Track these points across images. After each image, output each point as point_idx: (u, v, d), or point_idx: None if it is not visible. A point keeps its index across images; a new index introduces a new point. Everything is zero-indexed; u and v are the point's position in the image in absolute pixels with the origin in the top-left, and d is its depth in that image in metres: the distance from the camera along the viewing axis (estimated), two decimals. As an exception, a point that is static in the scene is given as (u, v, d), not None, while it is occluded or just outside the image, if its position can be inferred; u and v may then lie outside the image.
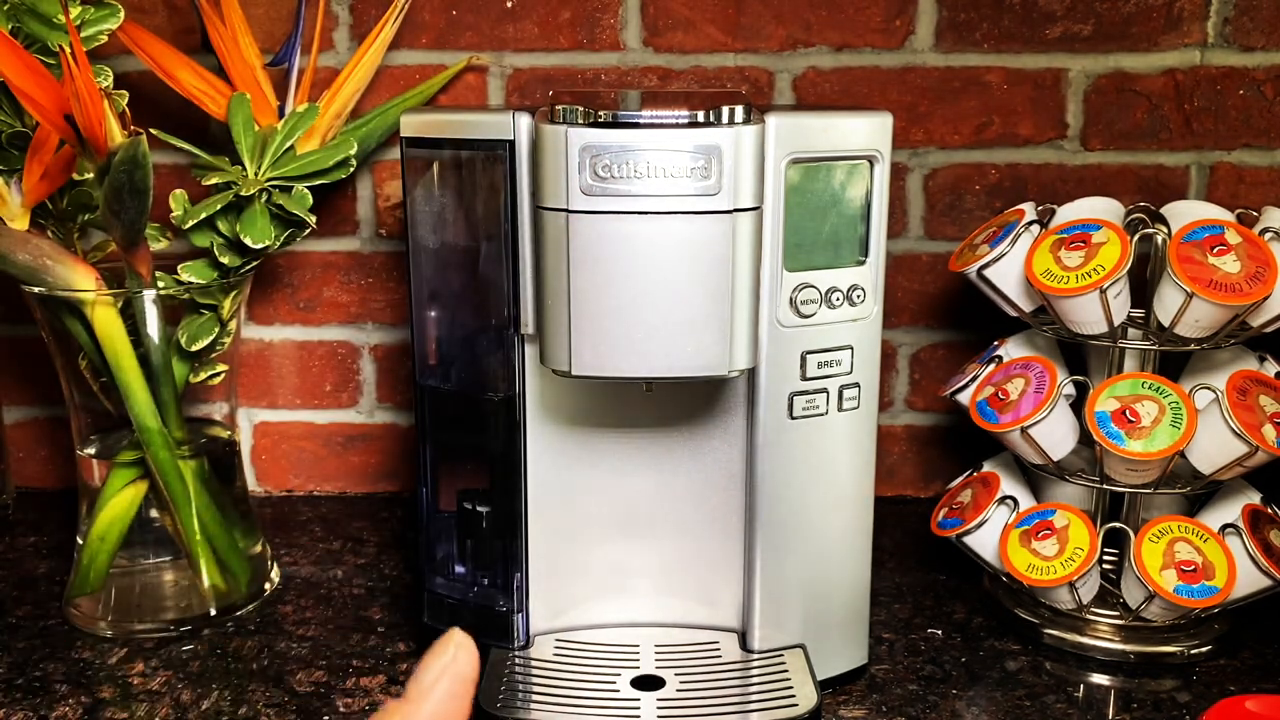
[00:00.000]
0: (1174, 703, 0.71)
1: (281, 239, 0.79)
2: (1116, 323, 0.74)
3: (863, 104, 0.94)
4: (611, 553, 0.73)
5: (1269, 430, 0.72)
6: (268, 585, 0.85)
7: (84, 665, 0.75)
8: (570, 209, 0.60)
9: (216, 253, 0.78)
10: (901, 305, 0.98)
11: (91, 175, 0.73)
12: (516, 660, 0.70)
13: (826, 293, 0.67)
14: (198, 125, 0.91)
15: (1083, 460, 0.79)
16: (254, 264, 0.80)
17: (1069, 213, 0.78)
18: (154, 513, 0.81)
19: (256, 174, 0.79)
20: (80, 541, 0.81)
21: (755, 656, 0.71)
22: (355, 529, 0.97)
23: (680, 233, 0.60)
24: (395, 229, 0.98)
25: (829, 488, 0.70)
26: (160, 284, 0.77)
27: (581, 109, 0.59)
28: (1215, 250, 0.71)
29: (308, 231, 0.80)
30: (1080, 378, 0.77)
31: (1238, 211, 0.78)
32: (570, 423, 0.71)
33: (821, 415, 0.69)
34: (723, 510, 0.71)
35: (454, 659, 0.33)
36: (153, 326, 0.76)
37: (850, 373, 0.69)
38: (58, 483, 1.05)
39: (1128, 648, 0.76)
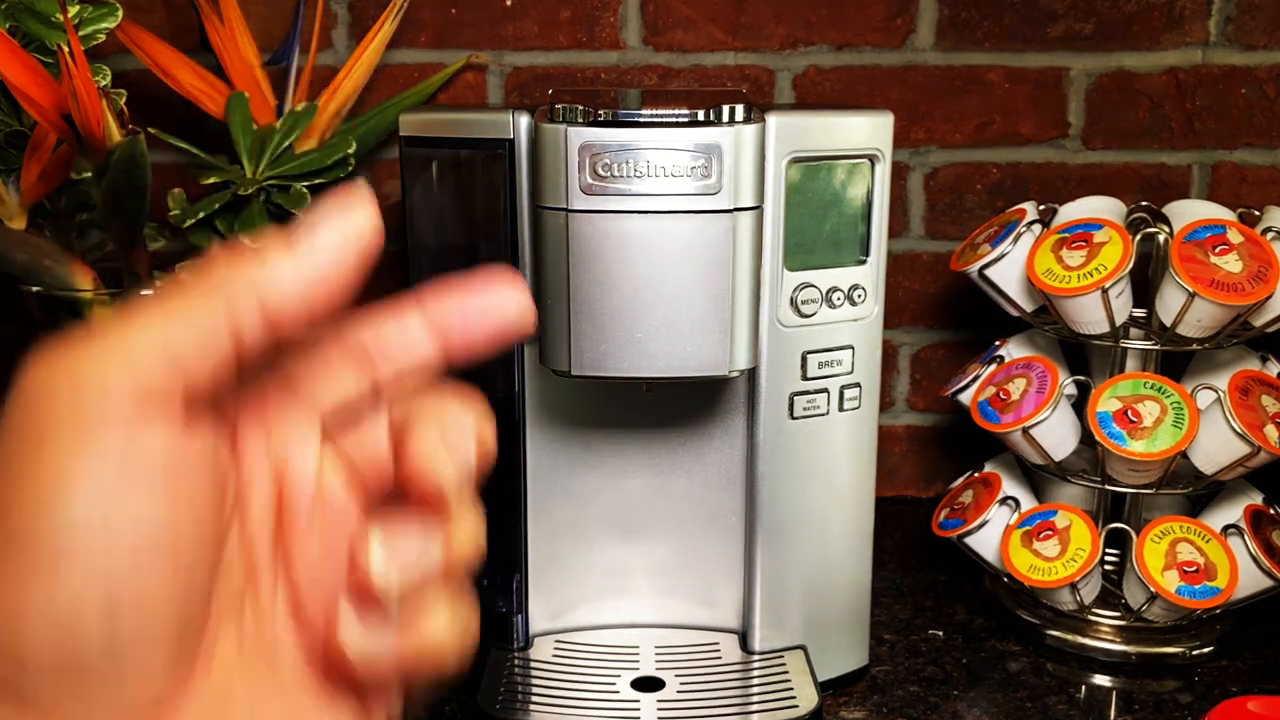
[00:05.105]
0: (1176, 704, 0.71)
1: (280, 238, 0.79)
2: (1118, 322, 0.74)
3: (863, 103, 0.94)
4: (611, 553, 0.72)
5: (1271, 430, 0.72)
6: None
7: (82, 666, 0.74)
8: (570, 208, 0.59)
9: (215, 252, 0.78)
10: (902, 305, 0.98)
11: (89, 174, 0.73)
12: (516, 661, 0.70)
13: (827, 292, 0.67)
14: (196, 124, 0.90)
15: (1084, 461, 0.79)
16: (253, 263, 0.80)
17: (1071, 212, 0.78)
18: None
19: (255, 173, 0.79)
20: (78, 542, 0.81)
21: (756, 657, 0.70)
22: (354, 529, 0.97)
23: (680, 232, 0.59)
24: (394, 229, 0.98)
25: (829, 488, 0.70)
26: (159, 283, 0.77)
27: (581, 108, 0.59)
28: (1217, 250, 0.71)
29: (306, 231, 0.80)
30: (1082, 378, 0.77)
31: (1240, 211, 0.77)
32: (570, 423, 0.70)
33: (822, 415, 0.68)
34: (723, 511, 0.71)
35: (351, 215, 0.28)
36: (151, 326, 0.76)
37: (851, 373, 0.68)
38: (56, 483, 1.05)
39: (1129, 648, 0.75)
